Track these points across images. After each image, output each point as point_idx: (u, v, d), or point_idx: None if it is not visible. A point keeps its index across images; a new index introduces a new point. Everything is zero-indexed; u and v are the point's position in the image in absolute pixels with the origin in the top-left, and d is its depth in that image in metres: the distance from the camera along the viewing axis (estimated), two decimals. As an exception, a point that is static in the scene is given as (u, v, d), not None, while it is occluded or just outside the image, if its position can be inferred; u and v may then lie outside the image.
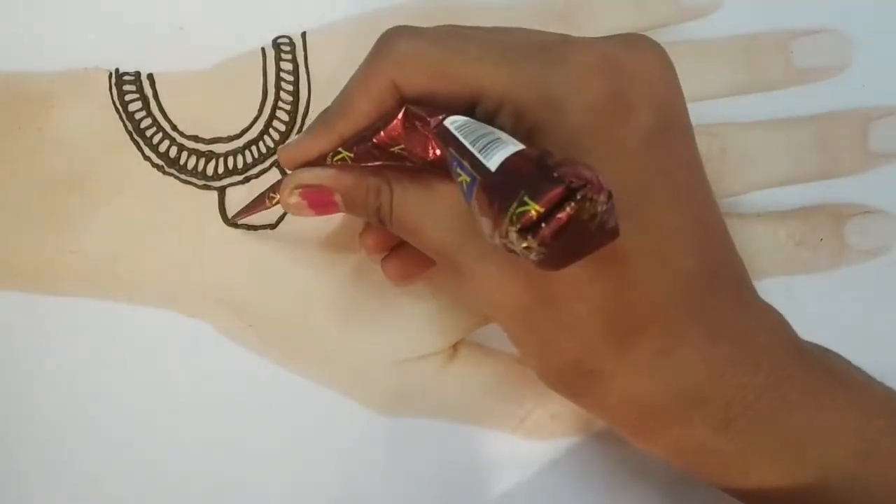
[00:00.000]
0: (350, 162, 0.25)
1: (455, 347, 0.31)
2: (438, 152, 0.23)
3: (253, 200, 0.29)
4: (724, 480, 0.25)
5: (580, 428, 0.31)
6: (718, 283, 0.23)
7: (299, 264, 0.31)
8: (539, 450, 0.31)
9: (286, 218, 0.31)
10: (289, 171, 0.27)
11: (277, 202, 0.28)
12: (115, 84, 0.32)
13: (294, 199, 0.26)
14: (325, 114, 0.26)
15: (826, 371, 0.24)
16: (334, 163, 0.25)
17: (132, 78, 0.32)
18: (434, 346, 0.31)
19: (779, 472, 0.23)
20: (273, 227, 0.31)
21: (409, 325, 0.31)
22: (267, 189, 0.29)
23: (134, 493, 0.30)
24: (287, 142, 0.26)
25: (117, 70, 0.32)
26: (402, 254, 0.28)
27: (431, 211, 0.24)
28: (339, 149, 0.25)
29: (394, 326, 0.31)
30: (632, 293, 0.22)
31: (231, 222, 0.31)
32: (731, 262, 0.24)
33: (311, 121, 0.27)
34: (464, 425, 0.31)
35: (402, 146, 0.24)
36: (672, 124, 0.24)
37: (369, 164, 0.25)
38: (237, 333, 0.31)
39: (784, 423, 0.23)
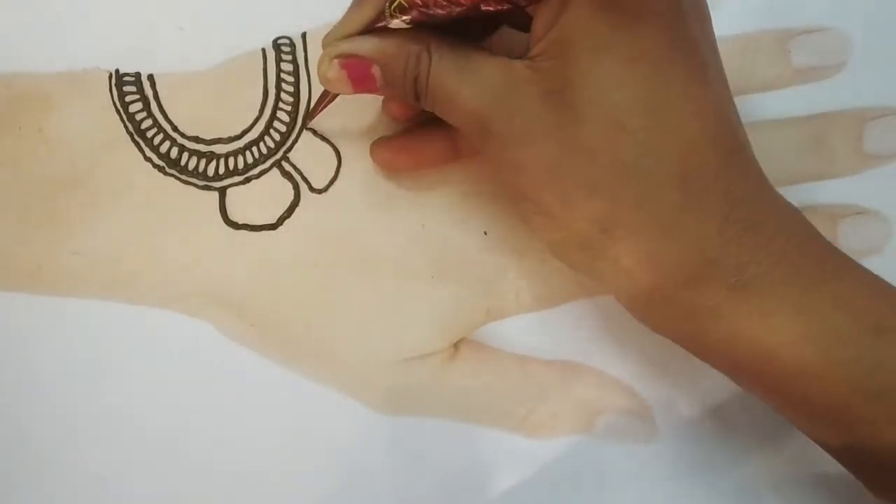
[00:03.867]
0: (406, 6, 0.24)
1: (456, 346, 0.31)
2: None
3: (318, 99, 0.30)
4: (732, 351, 0.25)
5: (581, 427, 0.31)
6: (738, 152, 0.24)
7: (300, 264, 0.31)
8: (540, 449, 0.31)
9: (287, 219, 0.31)
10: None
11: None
12: (116, 85, 0.32)
13: (333, 71, 0.26)
14: None
15: (840, 253, 0.25)
16: (392, 11, 0.25)
17: (133, 79, 0.32)
18: (435, 346, 0.31)
19: (790, 342, 0.24)
20: (273, 227, 0.31)
21: (409, 324, 0.31)
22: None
23: (135, 492, 0.30)
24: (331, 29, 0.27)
25: (118, 71, 0.32)
26: (395, 142, 0.30)
27: (467, 79, 0.25)
28: None
29: (394, 326, 0.31)
30: (654, 148, 0.23)
31: (228, 222, 0.31)
32: (745, 138, 0.25)
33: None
34: (465, 424, 0.31)
35: None
36: (696, 5, 0.24)
37: (418, 20, 0.25)
38: (238, 333, 0.31)
39: (798, 292, 0.24)
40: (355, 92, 0.27)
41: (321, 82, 0.27)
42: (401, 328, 0.31)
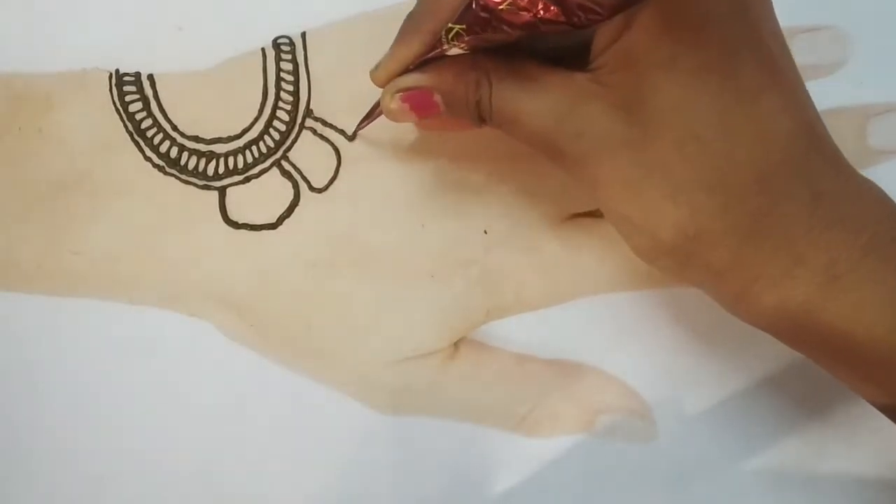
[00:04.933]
0: (464, 34, 0.24)
1: (456, 346, 0.31)
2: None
3: (368, 111, 0.30)
4: (825, 344, 0.25)
5: (581, 427, 0.31)
6: (817, 145, 0.24)
7: (300, 264, 0.31)
8: (539, 448, 0.31)
9: (287, 218, 0.31)
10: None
11: None
12: (116, 85, 0.32)
13: (395, 104, 0.27)
14: (411, 17, 0.26)
15: None
16: (449, 40, 0.25)
17: (132, 79, 0.32)
18: (435, 345, 0.31)
19: (882, 335, 0.24)
20: (274, 227, 0.31)
21: (409, 323, 0.31)
22: (378, 100, 0.29)
23: (135, 492, 0.30)
24: (378, 62, 0.27)
25: (117, 71, 0.32)
26: None
27: (530, 98, 0.25)
28: (450, 24, 0.25)
29: (394, 325, 0.31)
30: (732, 155, 0.23)
31: (228, 221, 0.31)
32: (824, 128, 0.25)
33: (401, 30, 0.27)
34: (464, 424, 0.31)
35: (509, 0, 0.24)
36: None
37: (474, 46, 0.25)
38: (238, 333, 0.31)
39: (889, 284, 0.24)
40: (420, 119, 0.27)
41: (385, 115, 0.27)
42: (401, 328, 0.31)
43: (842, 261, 0.24)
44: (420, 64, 0.26)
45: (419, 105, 0.27)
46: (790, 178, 0.24)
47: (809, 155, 0.24)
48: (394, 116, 0.27)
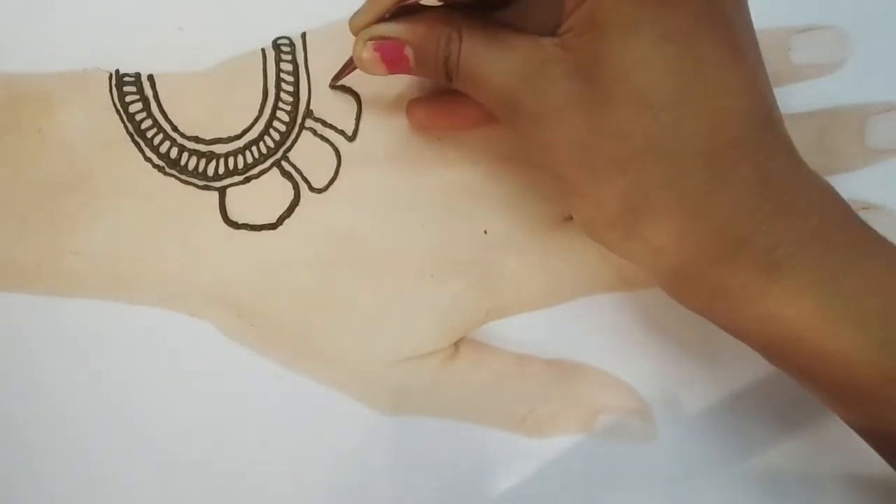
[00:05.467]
0: None
1: (456, 346, 0.31)
2: None
3: (344, 65, 0.31)
4: (763, 330, 0.25)
5: (581, 427, 0.31)
6: (770, 128, 0.24)
7: (300, 264, 0.31)
8: (540, 448, 0.31)
9: (287, 218, 0.31)
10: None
11: None
12: (116, 85, 0.32)
13: (367, 52, 0.27)
14: None
15: (873, 234, 0.25)
16: None
17: (132, 79, 0.32)
18: (435, 345, 0.31)
19: (819, 324, 0.24)
20: (274, 227, 0.31)
21: (409, 323, 0.31)
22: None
23: (135, 492, 0.30)
24: (357, 10, 0.27)
25: (117, 71, 0.32)
26: (430, 103, 0.30)
27: (496, 58, 0.25)
28: None
29: (394, 325, 0.31)
30: (683, 127, 0.23)
31: (228, 222, 0.31)
32: (779, 114, 0.25)
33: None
34: (465, 424, 0.31)
35: None
36: None
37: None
38: (238, 333, 0.31)
39: (830, 273, 0.24)
40: (389, 73, 0.27)
41: (357, 64, 0.28)
42: (401, 328, 0.31)
43: (784, 245, 0.24)
44: (395, 13, 0.27)
45: (390, 57, 0.27)
46: (740, 158, 0.24)
47: (762, 137, 0.24)
48: (365, 66, 0.27)
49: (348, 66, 0.31)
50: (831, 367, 0.24)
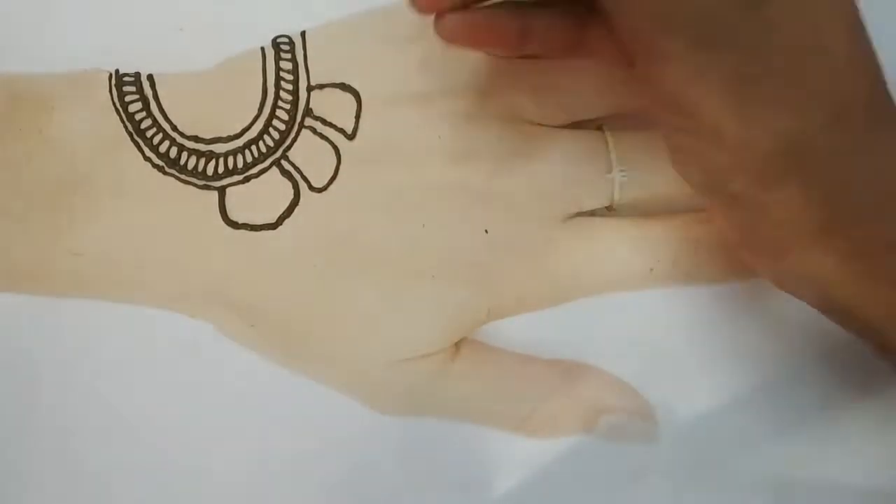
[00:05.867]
0: None
1: (457, 346, 0.31)
2: None
3: None
4: None
5: (583, 427, 0.31)
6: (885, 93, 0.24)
7: (300, 264, 0.31)
8: (541, 449, 0.31)
9: (287, 218, 0.31)
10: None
11: None
12: (116, 85, 0.32)
13: None
14: None
15: None
16: None
17: (132, 79, 0.32)
18: (435, 345, 0.31)
19: None
20: (273, 226, 0.31)
21: (410, 324, 0.31)
22: None
23: (135, 492, 0.30)
24: None
25: (117, 71, 0.32)
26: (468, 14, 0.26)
27: None
28: None
29: (395, 325, 0.31)
30: (853, 73, 0.23)
31: (228, 221, 0.31)
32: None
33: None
34: (465, 424, 0.31)
35: None
36: None
37: None
38: (238, 334, 0.31)
39: None
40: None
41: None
42: (401, 328, 0.31)
43: None
44: None
45: None
46: (888, 102, 0.23)
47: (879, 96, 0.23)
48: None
49: None
50: None
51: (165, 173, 0.31)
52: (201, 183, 0.31)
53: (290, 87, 0.32)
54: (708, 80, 0.22)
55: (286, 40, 0.32)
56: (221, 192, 0.31)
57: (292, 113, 0.32)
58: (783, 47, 0.22)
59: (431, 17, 0.26)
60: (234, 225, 0.31)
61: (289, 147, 0.32)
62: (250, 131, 0.32)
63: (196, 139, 0.32)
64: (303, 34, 0.33)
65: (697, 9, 0.22)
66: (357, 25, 0.32)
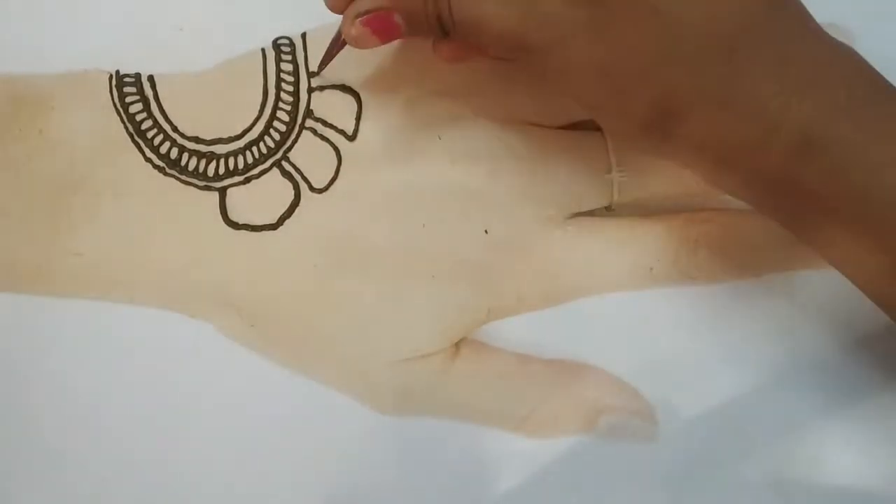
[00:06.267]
0: None
1: (457, 346, 0.31)
2: None
3: (329, 45, 0.30)
4: (805, 213, 0.25)
5: (582, 427, 0.31)
6: (784, 10, 0.24)
7: (300, 264, 0.31)
8: (541, 449, 0.31)
9: (287, 218, 0.31)
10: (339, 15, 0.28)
11: None
12: (116, 86, 0.32)
13: (356, 29, 0.27)
14: None
15: None
16: None
17: (133, 80, 0.32)
18: (436, 345, 0.31)
19: (854, 197, 0.24)
20: (274, 227, 0.31)
21: (410, 323, 0.31)
22: (338, 30, 0.29)
23: (135, 492, 0.30)
24: None
25: (118, 72, 0.32)
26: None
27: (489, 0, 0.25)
28: None
29: (395, 325, 0.31)
30: (693, 25, 0.24)
31: (229, 222, 0.31)
32: (798, 2, 0.25)
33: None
34: (466, 424, 0.31)
35: None
36: None
37: None
38: (239, 333, 0.31)
39: (862, 146, 0.24)
40: (383, 43, 0.27)
41: (349, 42, 0.27)
42: (401, 328, 0.31)
43: (814, 124, 0.24)
44: None
45: (380, 28, 0.27)
46: (756, 43, 0.24)
47: (775, 17, 0.24)
48: (357, 43, 0.27)
49: (334, 47, 0.31)
50: (866, 242, 0.25)
51: (166, 174, 0.31)
52: (202, 184, 0.31)
53: (290, 88, 0.32)
54: (576, 74, 0.25)
55: (287, 41, 0.33)
56: (222, 192, 0.31)
57: (293, 114, 0.32)
58: (622, 29, 0.24)
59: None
60: (235, 225, 0.31)
61: (289, 148, 0.32)
62: (251, 132, 0.32)
63: (197, 140, 0.32)
64: (303, 36, 0.33)
65: (538, 22, 0.24)
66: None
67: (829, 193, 0.24)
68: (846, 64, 0.25)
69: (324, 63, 0.32)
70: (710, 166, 0.26)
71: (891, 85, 0.25)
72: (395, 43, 0.32)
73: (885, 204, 0.24)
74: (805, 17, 0.25)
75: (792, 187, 0.25)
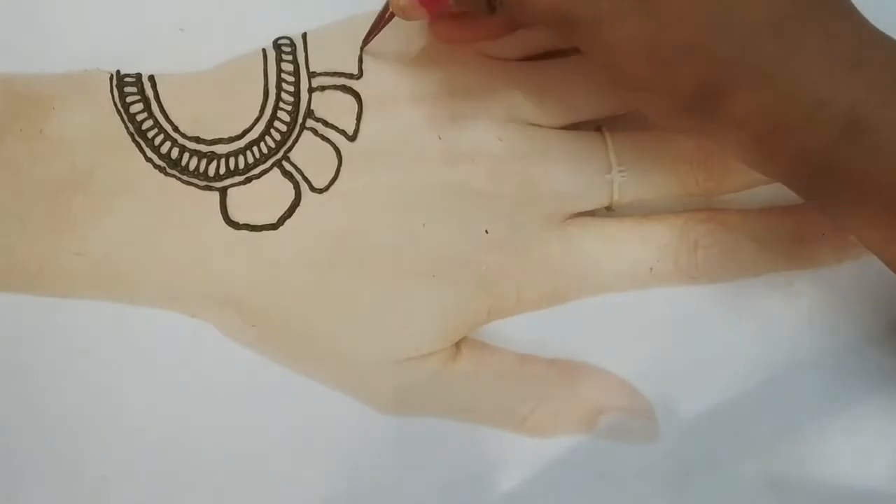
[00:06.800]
0: None
1: (458, 346, 0.31)
2: None
3: (376, 19, 0.31)
4: (848, 192, 0.25)
5: (582, 426, 0.31)
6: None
7: (301, 264, 0.31)
8: (541, 448, 0.31)
9: (288, 218, 0.31)
10: None
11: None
12: (117, 86, 0.32)
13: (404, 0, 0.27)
14: None
15: None
16: None
17: (133, 80, 0.32)
18: (436, 345, 0.31)
19: None
20: (275, 227, 0.31)
21: (410, 323, 0.31)
22: (385, 3, 0.30)
23: (136, 492, 0.30)
24: None
25: (118, 72, 0.32)
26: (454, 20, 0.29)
27: None
28: None
29: (396, 325, 0.31)
30: (745, 2, 0.24)
31: (229, 222, 0.31)
32: None
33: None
34: (466, 424, 0.31)
35: None
36: None
37: None
38: (239, 334, 0.31)
39: None
40: (430, 14, 0.28)
41: (395, 11, 0.28)
42: (401, 328, 0.31)
43: (863, 103, 0.24)
44: None
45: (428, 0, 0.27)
46: (805, 21, 0.24)
47: (823, 3, 0.24)
48: (404, 13, 0.28)
49: (382, 20, 0.31)
50: None
51: (167, 174, 0.31)
52: (203, 184, 0.31)
53: (291, 88, 0.32)
54: (624, 48, 0.25)
55: (287, 41, 0.33)
56: (223, 192, 0.31)
57: (293, 114, 0.32)
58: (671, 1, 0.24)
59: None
60: (236, 225, 0.31)
61: (290, 148, 0.32)
62: (252, 132, 0.32)
63: (197, 140, 0.32)
64: (304, 36, 0.33)
65: None
66: (358, 27, 0.33)
67: (875, 173, 0.24)
68: (891, 45, 0.25)
69: (369, 37, 0.32)
70: (753, 146, 0.26)
71: None
72: (395, 43, 0.32)
73: None
74: (852, 4, 0.25)
75: (836, 167, 0.25)
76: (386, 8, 0.30)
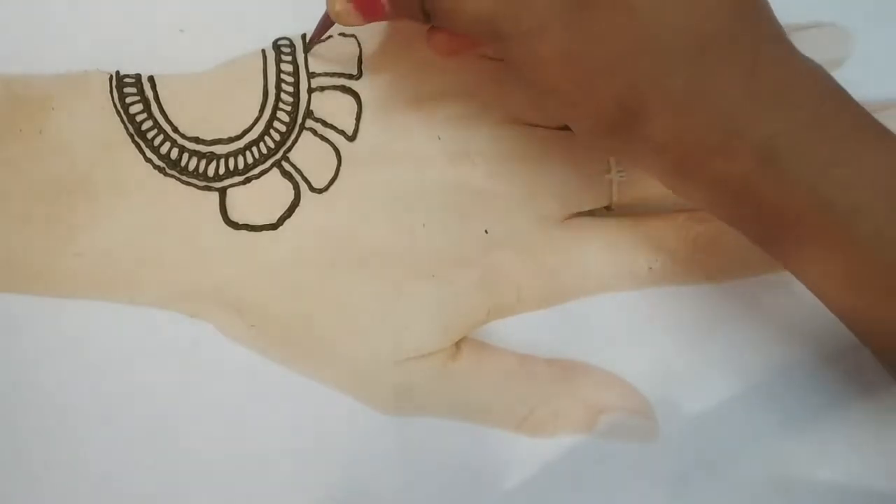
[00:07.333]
0: None
1: (458, 345, 0.31)
2: None
3: (317, 25, 0.31)
4: (764, 223, 0.25)
5: (583, 426, 0.31)
6: (756, 22, 0.24)
7: (301, 264, 0.31)
8: (541, 448, 0.31)
9: (287, 218, 0.31)
10: None
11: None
12: (116, 86, 0.32)
13: (340, 5, 0.27)
14: None
15: (873, 123, 0.25)
16: None
17: (133, 80, 0.32)
18: (436, 345, 0.31)
19: (814, 211, 0.24)
20: (274, 227, 0.31)
21: (410, 323, 0.31)
22: (325, 11, 0.30)
23: (135, 492, 0.30)
24: None
25: (118, 72, 0.32)
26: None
27: None
28: None
29: (395, 325, 0.31)
30: (666, 23, 0.23)
31: (229, 222, 0.31)
32: (770, 12, 0.25)
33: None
34: (466, 423, 0.31)
35: None
36: None
37: None
38: (239, 334, 0.31)
39: (827, 161, 0.24)
40: (365, 21, 0.28)
41: (332, 18, 0.28)
42: (401, 328, 0.31)
43: (781, 134, 0.24)
44: None
45: (364, 5, 0.27)
46: (726, 47, 0.24)
47: (748, 28, 0.24)
48: (341, 19, 0.28)
49: (323, 26, 0.31)
50: (825, 254, 0.25)
51: (166, 174, 0.31)
52: (202, 184, 0.31)
53: (290, 89, 0.32)
54: (548, 63, 0.25)
55: (287, 42, 0.33)
56: (222, 193, 0.31)
57: (293, 115, 0.32)
58: (595, 17, 0.24)
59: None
60: (235, 226, 0.31)
61: (290, 148, 0.32)
62: (251, 133, 0.32)
63: (197, 140, 0.32)
64: (303, 36, 0.33)
65: (513, 9, 0.24)
66: (357, 28, 0.33)
67: (790, 206, 0.24)
68: (815, 78, 0.25)
69: (312, 42, 0.32)
70: (671, 170, 0.26)
71: (857, 103, 0.25)
72: (394, 43, 0.32)
73: (848, 220, 0.24)
74: (778, 32, 0.25)
75: (753, 197, 0.25)
76: (327, 13, 0.30)
